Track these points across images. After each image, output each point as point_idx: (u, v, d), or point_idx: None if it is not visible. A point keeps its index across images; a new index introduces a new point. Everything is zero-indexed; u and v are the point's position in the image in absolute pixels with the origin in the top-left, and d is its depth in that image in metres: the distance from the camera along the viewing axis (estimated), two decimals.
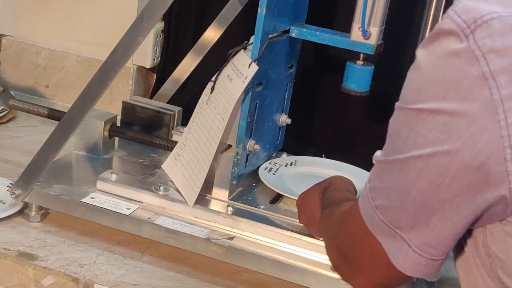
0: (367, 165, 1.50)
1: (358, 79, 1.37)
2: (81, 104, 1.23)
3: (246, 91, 1.27)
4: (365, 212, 0.83)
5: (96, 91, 1.22)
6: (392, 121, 0.80)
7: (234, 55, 1.31)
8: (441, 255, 0.79)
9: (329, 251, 0.96)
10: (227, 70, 1.30)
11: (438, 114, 0.73)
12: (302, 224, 1.23)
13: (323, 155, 1.68)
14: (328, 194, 1.15)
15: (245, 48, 1.31)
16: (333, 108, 1.74)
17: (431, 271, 0.79)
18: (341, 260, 0.91)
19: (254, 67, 1.24)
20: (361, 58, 1.37)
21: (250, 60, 1.25)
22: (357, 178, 1.45)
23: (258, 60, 1.25)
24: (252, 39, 1.30)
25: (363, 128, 1.72)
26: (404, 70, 1.59)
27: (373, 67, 1.37)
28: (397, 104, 0.79)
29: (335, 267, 0.94)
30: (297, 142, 1.67)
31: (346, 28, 1.36)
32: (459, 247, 0.83)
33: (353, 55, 1.37)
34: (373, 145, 1.67)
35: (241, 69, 1.26)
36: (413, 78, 0.78)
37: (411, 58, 1.57)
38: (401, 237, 0.79)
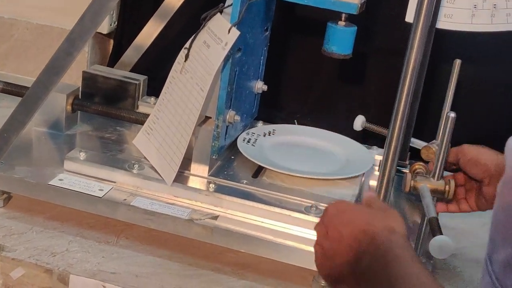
0: (340, 129, 1.44)
1: (340, 41, 1.29)
2: (46, 78, 1.12)
3: (226, 59, 1.17)
4: None
5: (62, 64, 1.10)
6: None
7: (210, 19, 1.21)
8: None
9: None
10: (202, 36, 1.20)
11: None
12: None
13: (295, 121, 1.61)
14: (388, 257, 0.78)
15: (221, 11, 1.20)
16: (304, 72, 1.65)
17: None
18: None
19: (235, 32, 1.14)
20: (343, 18, 1.28)
21: (230, 25, 1.15)
22: (334, 143, 1.39)
23: (238, 24, 1.15)
24: (228, 1, 1.20)
25: (333, 91, 1.65)
26: (378, 30, 1.55)
27: (356, 27, 1.28)
28: None
29: None
30: (268, 108, 1.58)
31: None
32: None
33: (327, 16, 1.28)
34: (343, 108, 1.62)
35: (220, 34, 1.16)
36: None
37: (386, 18, 1.52)
38: None
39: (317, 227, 0.88)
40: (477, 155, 1.12)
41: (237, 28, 1.15)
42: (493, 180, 1.11)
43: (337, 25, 1.28)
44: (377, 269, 0.78)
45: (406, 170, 1.30)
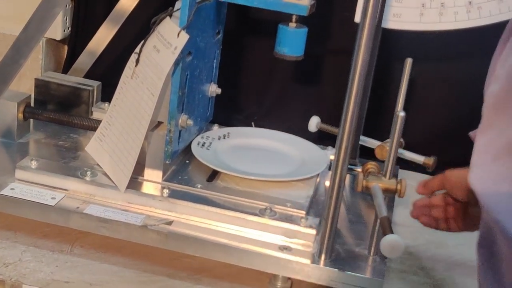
0: (296, 131, 1.44)
1: (292, 43, 1.29)
2: None
3: (176, 63, 1.17)
4: None
5: (9, 71, 1.09)
6: None
7: (159, 23, 1.20)
8: None
9: None
10: (152, 40, 1.19)
11: None
12: None
13: (253, 123, 1.61)
14: None
15: (170, 15, 1.20)
16: (259, 75, 1.65)
17: None
18: None
19: (184, 36, 1.14)
20: (294, 20, 1.28)
21: (179, 29, 1.14)
22: (289, 145, 1.39)
23: (187, 28, 1.15)
24: (177, 4, 1.19)
25: (288, 93, 1.65)
26: (332, 31, 1.56)
27: (307, 29, 1.29)
28: None
29: None
30: (225, 111, 1.58)
31: None
32: None
33: (280, 18, 1.28)
34: (300, 109, 1.63)
35: (169, 38, 1.16)
36: None
37: (338, 19, 1.53)
38: None
39: None
40: (459, 178, 1.12)
41: (187, 32, 1.14)
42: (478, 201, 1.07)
43: (287, 26, 1.28)
44: None
45: (357, 169, 1.30)
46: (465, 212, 1.14)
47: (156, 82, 1.15)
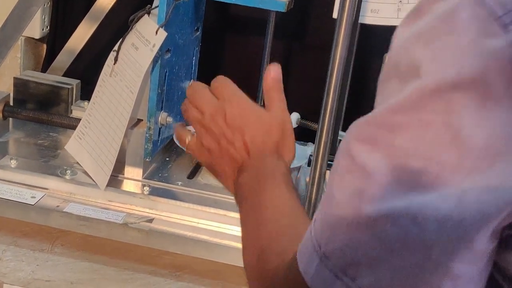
0: None
1: None
2: None
3: (155, 60, 1.17)
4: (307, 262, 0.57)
5: None
6: None
7: (137, 20, 1.20)
8: None
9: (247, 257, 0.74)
10: (131, 38, 1.19)
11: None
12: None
13: None
14: (260, 176, 0.77)
15: (149, 13, 1.20)
16: (239, 71, 1.65)
17: None
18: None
19: (163, 33, 1.14)
20: None
21: (157, 26, 1.14)
22: None
23: (165, 25, 1.15)
24: (155, 2, 1.19)
25: None
26: (311, 27, 1.56)
27: None
28: None
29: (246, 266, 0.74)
30: None
31: None
32: None
33: (259, 14, 1.29)
34: None
35: (147, 36, 1.16)
36: None
37: (317, 14, 1.53)
38: None
39: (205, 106, 0.82)
40: None
41: (165, 29, 1.14)
42: None
43: None
44: (251, 187, 0.76)
45: None
46: None
47: (135, 79, 1.15)
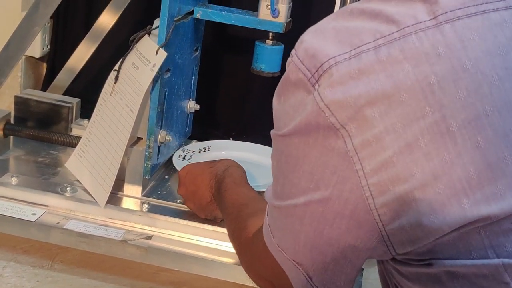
0: None
1: (268, 59, 1.32)
2: None
3: (155, 79, 1.19)
4: (270, 246, 0.80)
5: None
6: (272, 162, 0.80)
7: (138, 41, 1.22)
8: None
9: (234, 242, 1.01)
10: (131, 58, 1.21)
11: (303, 164, 0.71)
12: (179, 195, 1.21)
13: (231, 138, 1.63)
14: (225, 184, 1.11)
15: (149, 33, 1.22)
16: (237, 90, 1.67)
17: None
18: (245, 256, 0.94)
19: (163, 54, 1.16)
20: (270, 37, 1.31)
21: (157, 46, 1.17)
22: (269, 157, 1.41)
23: (165, 46, 1.17)
24: (156, 23, 1.22)
25: (266, 107, 1.67)
26: None
27: (283, 46, 1.31)
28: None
29: (238, 253, 0.98)
30: (203, 127, 1.60)
31: (243, 6, 1.32)
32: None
33: (258, 35, 1.31)
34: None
35: (148, 56, 1.18)
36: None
37: None
38: (303, 274, 0.77)
39: (179, 190, 1.19)
40: None
41: (165, 49, 1.16)
42: None
43: (264, 44, 1.30)
44: (219, 195, 1.11)
45: None
46: None
47: (135, 98, 1.17)
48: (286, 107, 0.73)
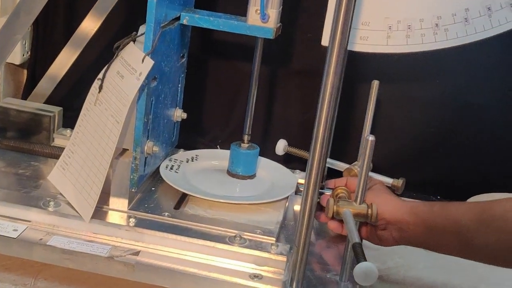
0: (262, 155, 1.42)
1: (245, 163, 1.34)
2: None
3: (141, 88, 1.14)
4: None
5: None
6: None
7: (122, 48, 1.17)
8: None
9: None
10: (116, 66, 1.17)
11: None
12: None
13: (218, 146, 1.59)
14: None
15: (134, 40, 1.17)
16: (224, 97, 1.63)
17: None
18: None
19: (149, 62, 1.11)
20: (246, 140, 1.35)
21: (143, 54, 1.12)
22: (260, 168, 1.39)
23: (152, 53, 1.13)
24: (141, 29, 1.17)
25: (255, 116, 1.63)
26: (296, 52, 1.54)
27: (259, 149, 1.34)
28: None
29: None
30: (189, 135, 1.56)
31: (230, 11, 1.28)
32: None
33: (245, 40, 1.27)
34: (267, 131, 1.61)
35: (133, 64, 1.13)
36: None
37: (303, 40, 1.52)
38: None
39: None
40: (374, 200, 1.15)
41: (151, 57, 1.12)
42: (389, 226, 1.16)
43: (240, 148, 1.33)
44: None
45: (326, 192, 1.29)
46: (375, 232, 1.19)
47: (121, 109, 1.13)
48: None
